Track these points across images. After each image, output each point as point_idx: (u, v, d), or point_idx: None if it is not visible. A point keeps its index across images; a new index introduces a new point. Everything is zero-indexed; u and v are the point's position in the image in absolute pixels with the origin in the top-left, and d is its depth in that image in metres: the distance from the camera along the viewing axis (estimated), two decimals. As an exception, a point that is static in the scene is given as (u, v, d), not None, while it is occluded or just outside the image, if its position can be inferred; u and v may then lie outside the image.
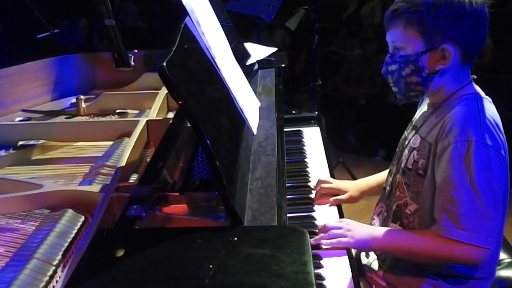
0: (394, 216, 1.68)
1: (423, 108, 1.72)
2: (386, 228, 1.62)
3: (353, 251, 1.68)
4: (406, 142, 1.69)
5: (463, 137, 1.44)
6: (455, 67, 1.52)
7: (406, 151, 1.65)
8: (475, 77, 1.60)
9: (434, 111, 1.60)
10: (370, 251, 1.79)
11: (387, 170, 1.87)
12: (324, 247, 1.56)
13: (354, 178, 3.37)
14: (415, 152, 1.60)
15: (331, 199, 1.87)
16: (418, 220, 1.61)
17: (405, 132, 1.77)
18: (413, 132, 1.67)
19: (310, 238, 1.24)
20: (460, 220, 1.43)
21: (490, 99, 1.57)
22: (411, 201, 1.62)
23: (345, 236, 1.54)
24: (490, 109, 1.52)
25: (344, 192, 1.90)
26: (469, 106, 1.50)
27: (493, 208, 1.43)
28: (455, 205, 1.44)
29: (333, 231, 1.56)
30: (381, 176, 1.93)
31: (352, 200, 1.92)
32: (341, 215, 1.81)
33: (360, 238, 1.55)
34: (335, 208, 1.84)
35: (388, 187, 1.76)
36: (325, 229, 1.58)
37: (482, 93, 1.58)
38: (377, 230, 1.59)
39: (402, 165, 1.65)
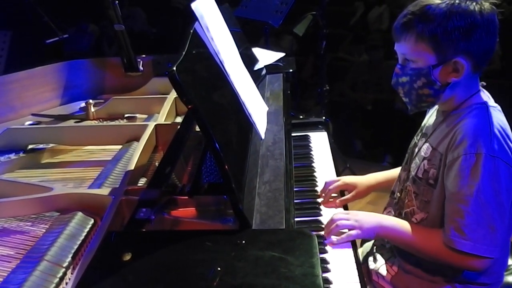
0: None
1: (432, 114, 1.72)
2: (395, 219, 1.63)
3: (360, 255, 1.69)
4: (417, 150, 1.69)
5: (473, 149, 1.44)
6: (466, 77, 1.51)
7: (417, 159, 1.65)
8: (484, 83, 1.60)
9: (444, 120, 1.60)
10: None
11: (397, 169, 1.87)
12: (334, 241, 1.57)
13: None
14: (425, 161, 1.60)
15: (337, 200, 1.87)
16: None
17: (415, 137, 1.77)
18: (423, 139, 1.67)
19: (318, 240, 1.25)
20: (465, 231, 1.45)
21: (499, 108, 1.57)
22: (418, 210, 1.63)
23: (353, 228, 1.56)
24: (500, 118, 1.52)
25: (352, 187, 1.91)
26: (479, 118, 1.50)
27: (499, 220, 1.45)
28: (461, 216, 1.45)
29: (342, 221, 1.57)
30: (390, 173, 1.94)
31: (359, 195, 1.92)
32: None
33: (369, 227, 1.57)
34: (342, 213, 1.84)
35: (397, 193, 1.76)
36: (332, 221, 1.59)
37: (491, 102, 1.57)
38: (386, 220, 1.61)
39: (413, 173, 1.65)
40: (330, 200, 1.88)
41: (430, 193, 1.58)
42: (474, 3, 1.46)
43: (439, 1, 1.47)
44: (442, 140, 1.56)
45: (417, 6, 1.50)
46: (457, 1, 1.46)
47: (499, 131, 1.47)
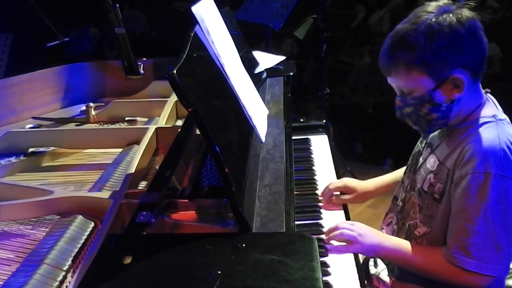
0: (406, 234, 1.68)
1: None
2: (396, 239, 1.62)
3: (361, 259, 1.68)
4: (421, 160, 1.66)
5: (482, 168, 1.42)
6: (468, 88, 1.48)
7: (423, 172, 1.62)
8: (489, 90, 1.58)
9: (451, 132, 1.57)
10: (378, 257, 1.79)
11: (397, 172, 1.87)
12: (334, 245, 1.56)
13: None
14: (432, 175, 1.57)
15: (334, 197, 1.87)
16: (426, 243, 1.60)
17: (419, 144, 1.75)
18: (428, 150, 1.65)
19: (319, 243, 1.24)
20: (470, 250, 1.43)
21: (507, 120, 1.54)
22: (420, 223, 1.61)
23: (355, 241, 1.54)
24: (510, 133, 1.49)
25: (352, 191, 1.90)
26: (489, 134, 1.47)
27: (505, 239, 1.44)
28: (467, 235, 1.44)
29: (346, 231, 1.56)
30: (390, 178, 1.93)
31: (357, 199, 1.92)
32: (349, 223, 1.81)
33: (370, 245, 1.55)
34: (342, 216, 1.84)
35: (400, 202, 1.74)
36: (336, 228, 1.58)
37: (499, 113, 1.54)
38: (387, 240, 1.59)
39: (419, 185, 1.63)
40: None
41: (434, 208, 1.56)
42: (451, 15, 1.42)
43: (413, 26, 1.44)
44: (449, 155, 1.53)
45: (394, 38, 1.48)
46: (433, 20, 1.43)
47: (509, 148, 1.45)
